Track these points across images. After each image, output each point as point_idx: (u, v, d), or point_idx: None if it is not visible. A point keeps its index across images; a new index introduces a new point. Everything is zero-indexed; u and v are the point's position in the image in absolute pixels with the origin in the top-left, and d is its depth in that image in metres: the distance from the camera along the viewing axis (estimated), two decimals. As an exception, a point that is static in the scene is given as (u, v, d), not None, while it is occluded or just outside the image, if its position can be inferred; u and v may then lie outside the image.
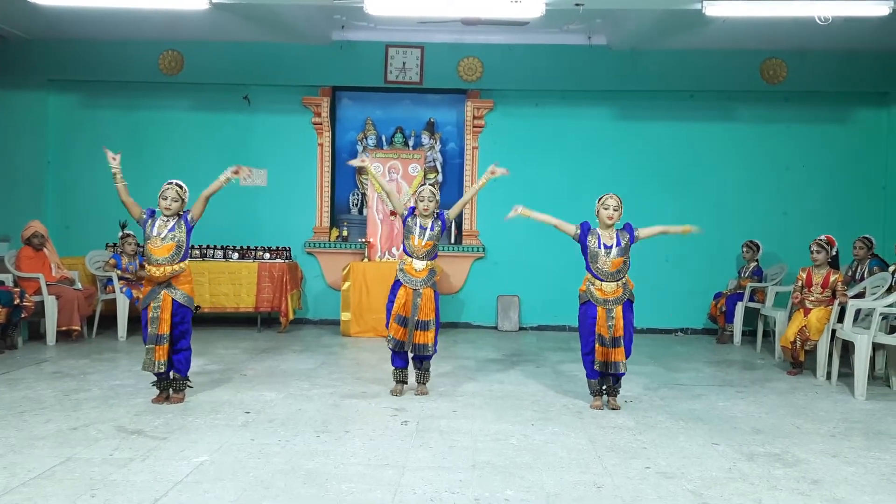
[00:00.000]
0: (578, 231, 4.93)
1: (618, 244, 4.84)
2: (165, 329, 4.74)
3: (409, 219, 5.25)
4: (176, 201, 4.78)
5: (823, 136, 8.67)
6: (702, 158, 8.74)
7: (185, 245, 4.81)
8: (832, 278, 6.19)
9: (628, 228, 4.92)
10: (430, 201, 5.18)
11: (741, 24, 7.17)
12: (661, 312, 8.60)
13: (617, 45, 8.42)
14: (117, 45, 8.54)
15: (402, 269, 5.20)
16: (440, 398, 5.17)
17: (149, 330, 4.75)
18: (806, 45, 8.20)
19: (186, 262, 4.87)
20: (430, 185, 5.32)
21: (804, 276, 6.36)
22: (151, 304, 4.76)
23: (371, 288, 7.90)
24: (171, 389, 4.88)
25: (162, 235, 4.73)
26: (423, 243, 5.16)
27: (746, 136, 8.72)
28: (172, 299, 4.78)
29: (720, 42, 8.03)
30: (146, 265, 4.81)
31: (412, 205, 5.31)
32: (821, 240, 6.32)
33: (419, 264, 5.15)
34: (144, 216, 4.80)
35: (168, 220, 4.78)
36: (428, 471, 3.63)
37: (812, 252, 6.31)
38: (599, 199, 4.92)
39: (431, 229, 5.19)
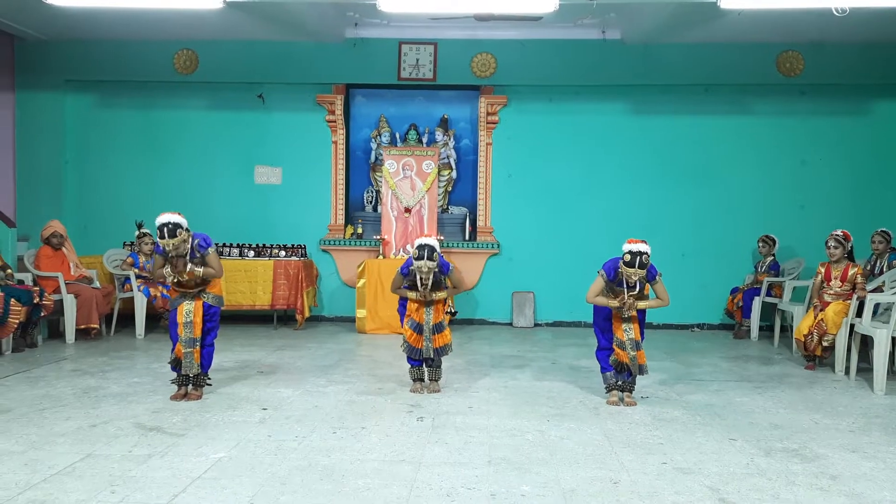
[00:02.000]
0: (607, 278, 4.86)
1: (640, 286, 4.82)
2: (199, 332, 4.85)
3: (406, 276, 5.15)
4: (177, 248, 4.72)
5: (841, 130, 8.58)
6: (717, 153, 8.67)
7: (215, 262, 4.88)
8: (851, 271, 6.14)
9: (650, 274, 4.81)
10: (428, 276, 5.02)
11: (757, 17, 7.12)
12: (677, 308, 8.37)
13: (631, 39, 8.38)
14: (133, 45, 8.61)
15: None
16: (456, 394, 5.18)
17: (182, 334, 4.81)
18: (823, 38, 8.10)
19: (214, 267, 4.89)
20: (427, 260, 4.95)
21: (823, 271, 6.31)
22: (183, 309, 4.83)
23: (386, 285, 7.90)
24: (189, 386, 4.94)
25: (183, 270, 4.77)
26: (426, 293, 5.10)
27: (763, 129, 8.64)
28: (203, 302, 4.88)
29: (736, 35, 7.96)
30: (178, 277, 4.80)
31: (408, 261, 5.13)
32: (837, 235, 6.25)
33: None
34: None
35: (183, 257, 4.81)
36: (444, 466, 3.64)
37: (829, 248, 6.24)
38: (623, 261, 4.67)
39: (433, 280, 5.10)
